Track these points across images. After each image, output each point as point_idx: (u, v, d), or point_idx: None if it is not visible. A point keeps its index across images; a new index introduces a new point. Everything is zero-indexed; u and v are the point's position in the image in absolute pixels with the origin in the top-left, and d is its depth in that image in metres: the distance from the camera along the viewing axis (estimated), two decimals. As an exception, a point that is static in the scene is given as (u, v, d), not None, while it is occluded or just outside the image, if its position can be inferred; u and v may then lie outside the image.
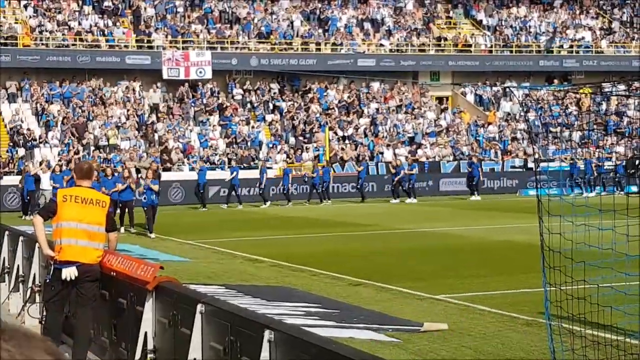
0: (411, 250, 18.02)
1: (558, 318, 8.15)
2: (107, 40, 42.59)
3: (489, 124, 44.87)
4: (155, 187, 22.32)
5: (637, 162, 38.18)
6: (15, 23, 41.75)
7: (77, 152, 36.17)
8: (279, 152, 39.81)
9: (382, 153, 40.67)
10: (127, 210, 23.43)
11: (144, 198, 22.43)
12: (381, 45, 46.91)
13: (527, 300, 11.49)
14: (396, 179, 34.76)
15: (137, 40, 43.03)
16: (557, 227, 8.06)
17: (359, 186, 35.04)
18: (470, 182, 35.45)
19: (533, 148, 18.94)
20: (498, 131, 44.20)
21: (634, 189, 26.87)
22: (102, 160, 34.94)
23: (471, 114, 45.73)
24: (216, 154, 39.05)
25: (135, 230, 23.12)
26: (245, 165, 37.80)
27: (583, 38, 50.24)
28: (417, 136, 42.75)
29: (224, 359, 5.78)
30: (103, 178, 24.89)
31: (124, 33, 43.19)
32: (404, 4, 50.13)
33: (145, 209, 22.35)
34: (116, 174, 26.22)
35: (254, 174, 35.50)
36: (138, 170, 23.51)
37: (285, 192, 34.04)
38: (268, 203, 33.11)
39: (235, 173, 33.55)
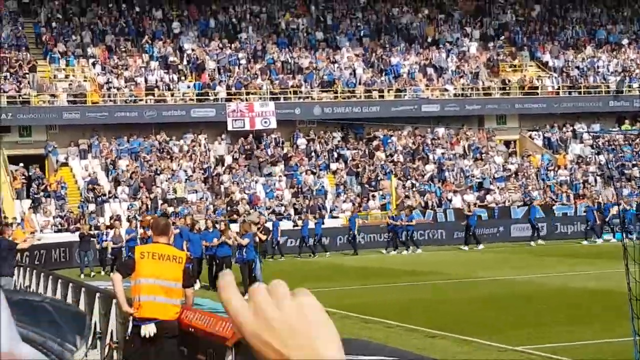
0: (485, 300, 17.63)
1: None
2: (172, 95, 43.33)
3: (559, 167, 44.19)
4: (245, 242, 20.68)
5: None
6: (84, 81, 42.77)
7: (147, 207, 36.65)
8: (344, 201, 39.73)
9: (450, 200, 40.30)
10: (224, 266, 21.44)
11: (238, 254, 21.06)
12: (445, 90, 46.79)
13: (610, 351, 11.10)
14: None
15: (201, 94, 43.67)
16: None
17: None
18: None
19: (615, 189, 18.44)
20: (569, 174, 43.49)
21: None
22: (172, 214, 35.29)
23: (540, 157, 45.15)
24: (282, 205, 39.14)
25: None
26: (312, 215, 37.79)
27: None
28: (485, 181, 42.31)
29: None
30: (204, 231, 24.28)
31: (188, 87, 43.90)
32: (467, 47, 50.02)
33: (240, 265, 20.89)
34: (214, 229, 24.63)
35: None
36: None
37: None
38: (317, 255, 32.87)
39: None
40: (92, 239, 30.07)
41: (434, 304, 17.21)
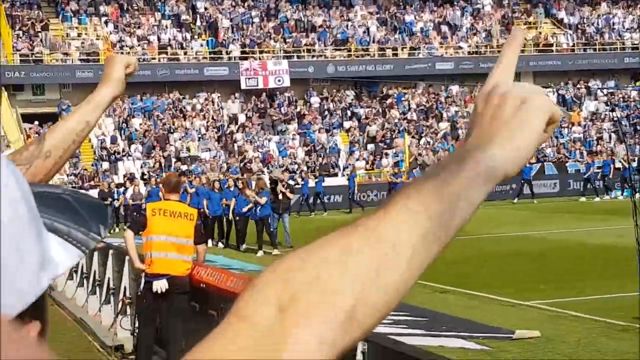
0: (498, 256, 17.70)
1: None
2: (185, 53, 43.25)
3: (573, 124, 43.99)
4: (262, 200, 20.46)
5: None
6: (97, 39, 42.73)
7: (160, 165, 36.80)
8: (357, 159, 39.74)
9: (463, 157, 40.19)
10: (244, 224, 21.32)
11: (253, 211, 20.82)
12: (459, 47, 46.47)
13: (622, 306, 11.14)
14: None
15: (214, 52, 43.56)
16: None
17: None
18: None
19: (626, 148, 18.30)
20: (583, 131, 43.30)
21: None
22: (185, 171, 35.44)
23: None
24: (295, 163, 39.21)
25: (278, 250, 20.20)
26: (325, 172, 37.85)
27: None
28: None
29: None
30: (226, 189, 23.41)
31: (201, 45, 43.79)
32: (482, 5, 49.58)
33: (256, 221, 20.77)
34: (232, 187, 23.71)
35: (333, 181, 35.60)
36: (276, 182, 22.26)
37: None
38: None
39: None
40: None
41: (447, 260, 17.28)
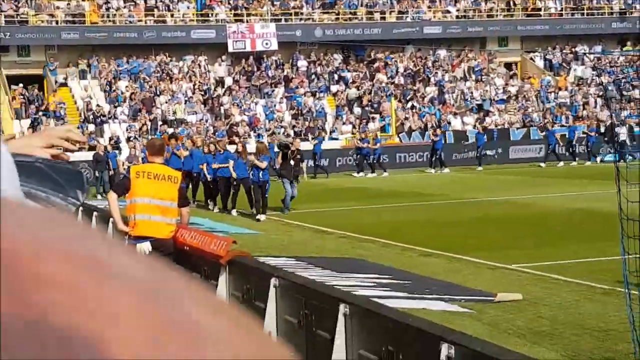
0: (482, 220, 17.79)
1: (637, 287, 7.97)
2: (172, 15, 42.90)
3: (560, 89, 44.01)
4: (263, 165, 19.70)
5: None
6: (83, 1, 42.31)
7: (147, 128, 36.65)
8: (344, 123, 39.70)
9: (449, 122, 40.26)
10: (247, 190, 20.55)
11: (253, 175, 20.08)
12: (447, 11, 46.28)
13: (604, 269, 11.25)
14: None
15: (201, 15, 43.23)
16: (635, 195, 7.86)
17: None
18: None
19: (611, 113, 18.39)
20: (569, 96, 43.35)
21: None
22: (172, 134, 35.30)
23: (540, 79, 44.95)
24: (282, 126, 39.14)
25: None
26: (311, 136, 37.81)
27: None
28: (485, 103, 42.19)
29: (299, 332, 5.77)
30: (218, 153, 22.59)
31: (188, 7, 43.44)
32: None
33: (252, 187, 20.12)
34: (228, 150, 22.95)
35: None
36: (287, 146, 21.32)
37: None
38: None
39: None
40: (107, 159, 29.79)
41: (431, 224, 17.38)
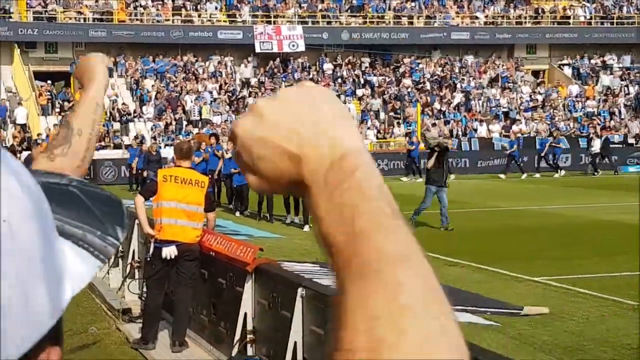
0: (506, 230, 17.60)
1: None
2: (199, 15, 42.99)
3: (587, 98, 43.66)
4: None
5: None
6: (111, -1, 42.52)
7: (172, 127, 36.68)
8: (369, 128, 39.58)
9: (475, 129, 40.02)
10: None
11: None
12: (475, 17, 46.06)
13: (632, 284, 11.08)
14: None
15: (228, 15, 43.29)
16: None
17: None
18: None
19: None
20: (596, 106, 42.97)
21: None
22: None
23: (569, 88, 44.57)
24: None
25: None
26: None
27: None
28: (512, 111, 41.91)
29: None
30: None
31: (216, 8, 43.51)
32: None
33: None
34: None
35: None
36: (446, 148, 18.36)
37: None
38: None
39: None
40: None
41: (454, 233, 17.22)
